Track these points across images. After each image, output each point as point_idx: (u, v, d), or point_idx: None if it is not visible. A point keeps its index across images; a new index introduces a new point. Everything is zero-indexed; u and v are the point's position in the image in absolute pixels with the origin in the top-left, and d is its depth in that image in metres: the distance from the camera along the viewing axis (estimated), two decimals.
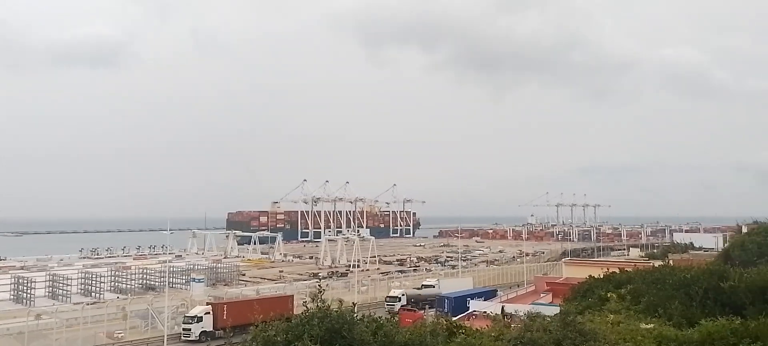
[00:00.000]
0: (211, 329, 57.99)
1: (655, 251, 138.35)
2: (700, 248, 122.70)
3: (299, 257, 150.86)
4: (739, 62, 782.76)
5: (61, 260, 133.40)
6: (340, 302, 15.68)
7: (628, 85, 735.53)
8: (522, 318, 25.41)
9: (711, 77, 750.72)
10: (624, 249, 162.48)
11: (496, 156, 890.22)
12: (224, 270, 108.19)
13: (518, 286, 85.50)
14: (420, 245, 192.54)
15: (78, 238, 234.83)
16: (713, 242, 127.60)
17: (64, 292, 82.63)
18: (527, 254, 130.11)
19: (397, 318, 18.71)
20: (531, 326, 18.12)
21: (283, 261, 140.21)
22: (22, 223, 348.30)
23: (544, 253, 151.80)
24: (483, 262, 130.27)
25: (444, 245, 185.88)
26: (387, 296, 79.95)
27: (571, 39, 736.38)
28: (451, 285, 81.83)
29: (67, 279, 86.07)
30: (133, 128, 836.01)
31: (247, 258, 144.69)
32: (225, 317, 59.02)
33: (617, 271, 42.66)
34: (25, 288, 79.70)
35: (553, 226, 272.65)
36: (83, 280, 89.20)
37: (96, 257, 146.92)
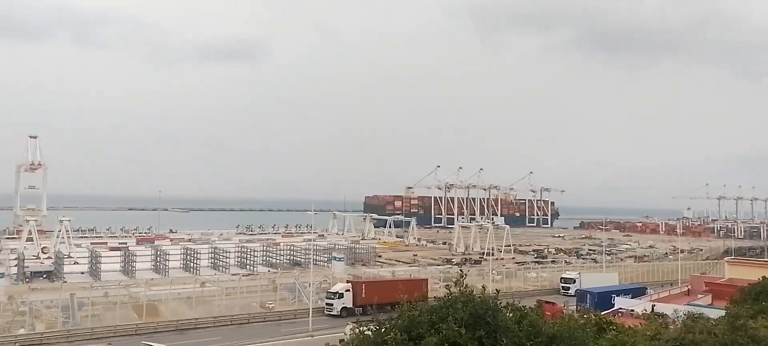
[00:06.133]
0: (351, 305, 60.66)
1: None
2: None
3: (432, 242, 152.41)
4: None
5: (221, 234, 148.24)
6: (484, 287, 15.52)
7: None
8: (678, 319, 23.27)
9: None
10: None
11: (636, 143, 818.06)
12: (362, 251, 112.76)
13: (671, 285, 78.59)
14: (559, 236, 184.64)
15: (235, 215, 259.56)
16: None
17: (224, 263, 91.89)
18: (682, 251, 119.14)
19: (540, 309, 18.11)
20: (693, 328, 16.53)
21: (416, 245, 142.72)
22: (188, 200, 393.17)
23: (702, 250, 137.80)
24: (630, 257, 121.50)
25: (586, 238, 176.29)
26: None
27: (704, 16, 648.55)
28: (593, 280, 77.65)
29: (226, 252, 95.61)
30: (274, 119, 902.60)
31: (383, 240, 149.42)
32: (363, 296, 61.35)
33: None
34: (192, 259, 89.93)
35: (713, 221, 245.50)
36: (239, 253, 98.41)
37: (250, 233, 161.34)
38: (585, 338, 15.28)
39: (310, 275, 63.67)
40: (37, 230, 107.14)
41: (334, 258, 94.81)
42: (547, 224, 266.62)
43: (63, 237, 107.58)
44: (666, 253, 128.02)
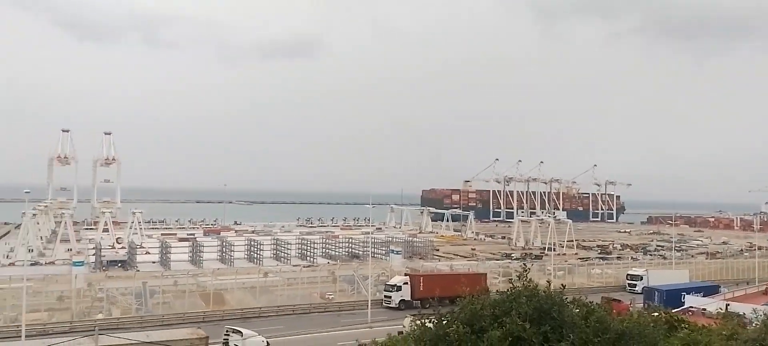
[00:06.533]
0: (409, 298, 60.79)
1: None
2: None
3: (491, 236, 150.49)
4: None
5: (283, 226, 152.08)
6: (549, 282, 15.17)
7: None
8: (757, 318, 21.94)
9: None
10: None
11: (707, 134, 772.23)
12: (419, 244, 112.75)
13: (747, 283, 74.36)
14: (625, 232, 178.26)
15: (295, 208, 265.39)
16: None
17: (285, 255, 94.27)
18: (760, 248, 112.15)
19: (608, 305, 17.52)
20: None
21: (475, 239, 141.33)
22: (251, 193, 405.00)
23: None
24: (702, 254, 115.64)
25: (653, 233, 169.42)
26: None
27: None
28: (662, 277, 74.47)
29: (288, 244, 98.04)
30: (330, 112, 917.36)
31: (441, 234, 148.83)
32: (421, 289, 61.30)
33: None
34: (255, 250, 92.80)
35: None
36: (300, 245, 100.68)
37: (310, 225, 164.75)
38: (655, 336, 14.65)
39: (368, 268, 64.32)
40: (112, 222, 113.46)
41: (392, 251, 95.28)
42: (612, 218, 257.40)
43: (136, 228, 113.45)
44: (741, 249, 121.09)
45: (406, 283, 62.08)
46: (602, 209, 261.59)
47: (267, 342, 37.99)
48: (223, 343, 37.77)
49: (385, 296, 61.34)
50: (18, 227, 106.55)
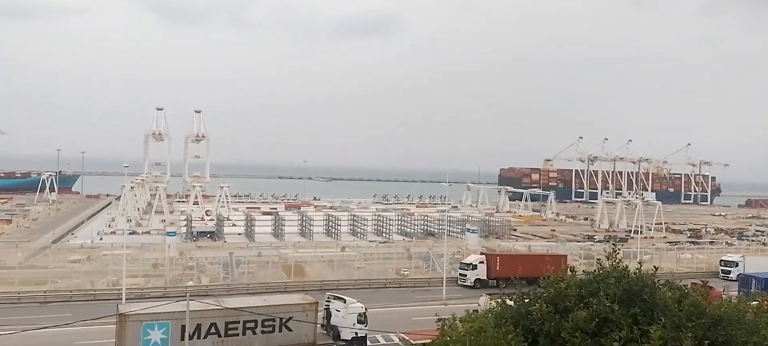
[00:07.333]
0: (485, 277, 60.16)
1: None
2: None
3: (572, 217, 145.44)
4: None
5: (360, 203, 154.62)
6: (640, 263, 14.39)
7: None
8: None
9: None
10: None
11: None
12: (496, 224, 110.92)
13: None
14: (720, 215, 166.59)
15: (372, 185, 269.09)
16: None
17: (362, 230, 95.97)
18: None
19: (705, 289, 16.42)
20: None
21: (555, 220, 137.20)
22: (330, 170, 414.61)
23: None
24: None
25: (752, 217, 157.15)
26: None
27: None
28: (760, 264, 69.19)
29: (364, 220, 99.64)
30: (408, 94, 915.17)
31: (519, 214, 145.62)
32: (498, 268, 60.39)
33: None
34: (333, 225, 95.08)
35: None
36: (376, 221, 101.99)
37: (386, 202, 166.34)
38: (757, 323, 13.54)
39: (443, 246, 64.18)
40: (202, 195, 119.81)
41: (468, 230, 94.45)
42: (706, 201, 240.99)
43: (223, 202, 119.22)
44: None
45: (482, 262, 61.42)
46: (695, 191, 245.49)
47: (365, 309, 39.03)
48: (325, 309, 38.87)
49: (460, 274, 61.04)
50: (118, 198, 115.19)
